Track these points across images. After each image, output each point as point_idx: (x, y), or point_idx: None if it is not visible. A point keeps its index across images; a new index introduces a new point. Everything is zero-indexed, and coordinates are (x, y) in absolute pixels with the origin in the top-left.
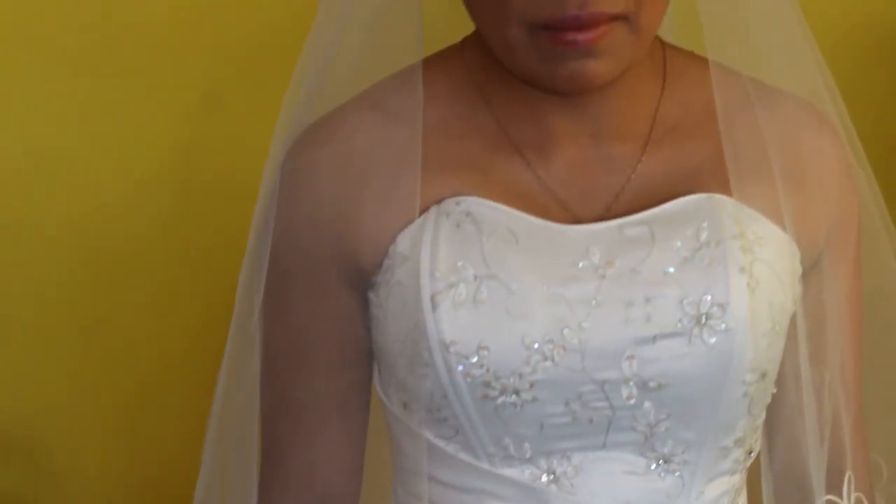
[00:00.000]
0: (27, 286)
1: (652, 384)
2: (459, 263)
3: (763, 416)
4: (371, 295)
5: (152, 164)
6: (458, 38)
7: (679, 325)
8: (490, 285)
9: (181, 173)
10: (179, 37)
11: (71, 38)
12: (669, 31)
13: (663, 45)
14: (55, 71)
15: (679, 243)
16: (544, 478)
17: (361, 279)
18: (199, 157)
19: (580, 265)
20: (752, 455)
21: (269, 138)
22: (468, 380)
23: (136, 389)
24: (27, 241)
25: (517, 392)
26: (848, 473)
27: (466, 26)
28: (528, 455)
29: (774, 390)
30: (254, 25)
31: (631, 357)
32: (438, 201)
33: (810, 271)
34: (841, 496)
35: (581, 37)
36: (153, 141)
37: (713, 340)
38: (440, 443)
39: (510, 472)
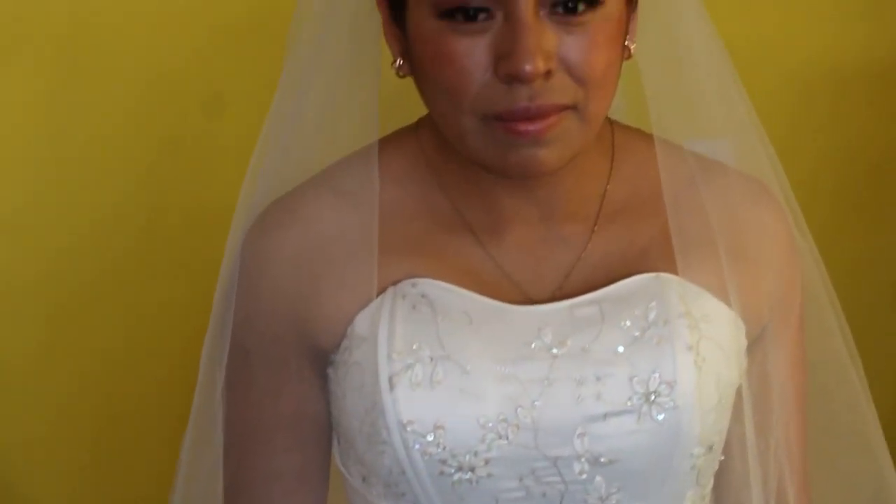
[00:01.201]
0: None
1: (603, 459)
2: (415, 345)
3: (711, 484)
4: (330, 372)
5: (121, 194)
6: (413, 118)
7: (629, 402)
8: (445, 366)
9: (150, 202)
10: (145, 71)
11: (39, 63)
12: (619, 108)
13: (611, 123)
14: (21, 102)
15: (628, 323)
16: None
17: (321, 358)
18: (168, 185)
19: (533, 345)
20: None
21: (238, 168)
22: (425, 457)
23: (101, 426)
24: None
25: (473, 469)
26: None
27: (421, 107)
28: None
29: (722, 457)
30: (224, 59)
31: (582, 434)
32: (395, 283)
33: (755, 343)
34: None
35: (532, 127)
36: (121, 171)
37: (662, 417)
38: None
39: None
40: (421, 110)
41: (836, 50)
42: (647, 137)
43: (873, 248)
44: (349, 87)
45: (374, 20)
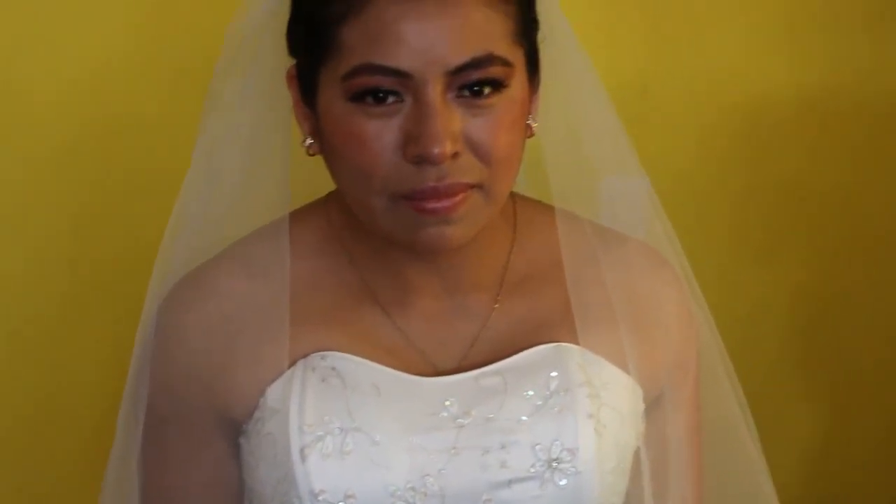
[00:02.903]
0: None
1: None
2: (326, 417)
3: None
4: (242, 441)
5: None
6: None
7: (532, 469)
8: (355, 437)
9: (75, 250)
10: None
11: None
12: (520, 182)
13: (514, 197)
14: None
15: (531, 392)
16: None
17: (234, 427)
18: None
19: (439, 416)
20: None
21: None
22: None
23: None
24: None
25: None
26: None
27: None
28: None
29: None
30: (143, 98)
31: (488, 500)
32: (305, 355)
33: (652, 407)
34: None
35: (440, 205)
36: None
37: (564, 482)
38: None
39: None
40: (329, 184)
41: (775, 85)
42: (548, 209)
43: (811, 270)
44: (261, 163)
45: (284, 99)
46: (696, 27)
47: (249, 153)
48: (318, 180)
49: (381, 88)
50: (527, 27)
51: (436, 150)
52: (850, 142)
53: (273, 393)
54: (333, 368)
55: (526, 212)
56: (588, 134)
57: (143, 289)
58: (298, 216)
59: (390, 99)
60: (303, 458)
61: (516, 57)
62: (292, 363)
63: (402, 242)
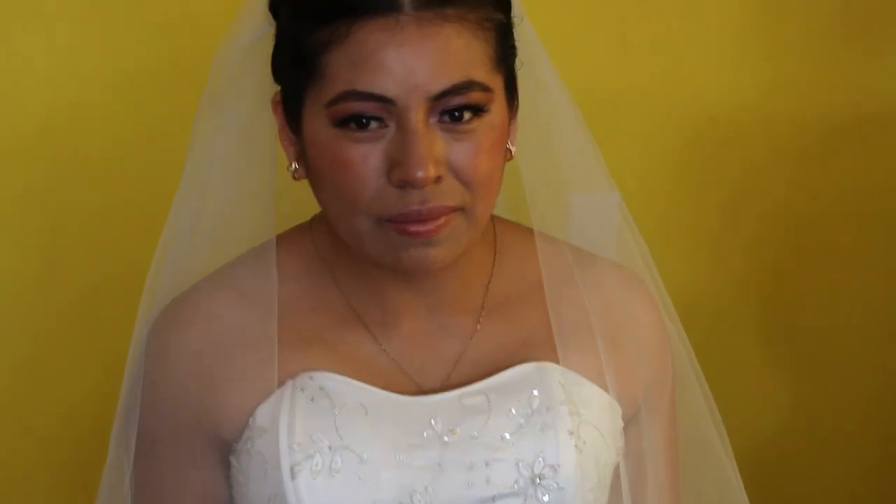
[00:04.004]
0: None
1: None
2: (315, 436)
3: None
4: (232, 460)
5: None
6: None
7: (515, 485)
8: (344, 455)
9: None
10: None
11: None
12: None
13: (494, 220)
14: None
15: (514, 410)
16: None
17: (224, 447)
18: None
19: (425, 434)
20: None
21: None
22: None
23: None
24: None
25: None
26: None
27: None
28: None
29: None
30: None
31: None
32: (293, 376)
33: (630, 424)
34: None
35: (423, 228)
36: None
37: (546, 498)
38: None
39: None
40: (314, 208)
41: (724, 94)
42: (527, 231)
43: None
44: (247, 187)
45: (269, 124)
46: (667, 41)
47: (236, 178)
48: (302, 204)
49: (364, 114)
50: (505, 53)
51: (419, 175)
52: (792, 155)
53: (262, 413)
54: (322, 388)
55: (505, 234)
56: (565, 158)
57: (131, 314)
58: (284, 240)
59: (374, 124)
60: (293, 475)
61: (496, 83)
62: (281, 383)
63: (386, 264)
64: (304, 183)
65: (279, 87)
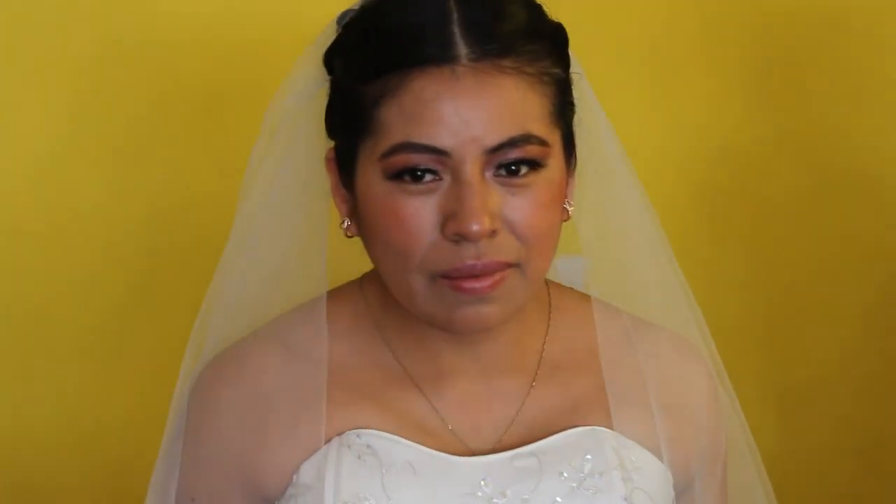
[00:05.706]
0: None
1: None
2: (361, 494)
3: None
4: None
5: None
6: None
7: None
8: None
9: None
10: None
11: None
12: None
13: (548, 283)
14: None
15: (566, 474)
16: None
17: (265, 503)
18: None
19: (475, 495)
20: None
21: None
22: None
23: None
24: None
25: None
26: None
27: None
28: None
29: None
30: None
31: None
32: (340, 433)
33: (682, 494)
34: None
35: (478, 284)
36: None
37: None
38: None
39: None
40: (364, 265)
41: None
42: (581, 296)
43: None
44: (298, 244)
45: (322, 180)
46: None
47: (287, 235)
48: (353, 261)
49: (419, 167)
50: (563, 109)
51: (475, 227)
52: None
53: (307, 470)
54: (369, 446)
55: (559, 298)
56: (622, 222)
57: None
58: (334, 297)
59: (428, 177)
60: None
61: (553, 137)
62: (327, 440)
63: (439, 321)
64: (355, 241)
65: (332, 143)
